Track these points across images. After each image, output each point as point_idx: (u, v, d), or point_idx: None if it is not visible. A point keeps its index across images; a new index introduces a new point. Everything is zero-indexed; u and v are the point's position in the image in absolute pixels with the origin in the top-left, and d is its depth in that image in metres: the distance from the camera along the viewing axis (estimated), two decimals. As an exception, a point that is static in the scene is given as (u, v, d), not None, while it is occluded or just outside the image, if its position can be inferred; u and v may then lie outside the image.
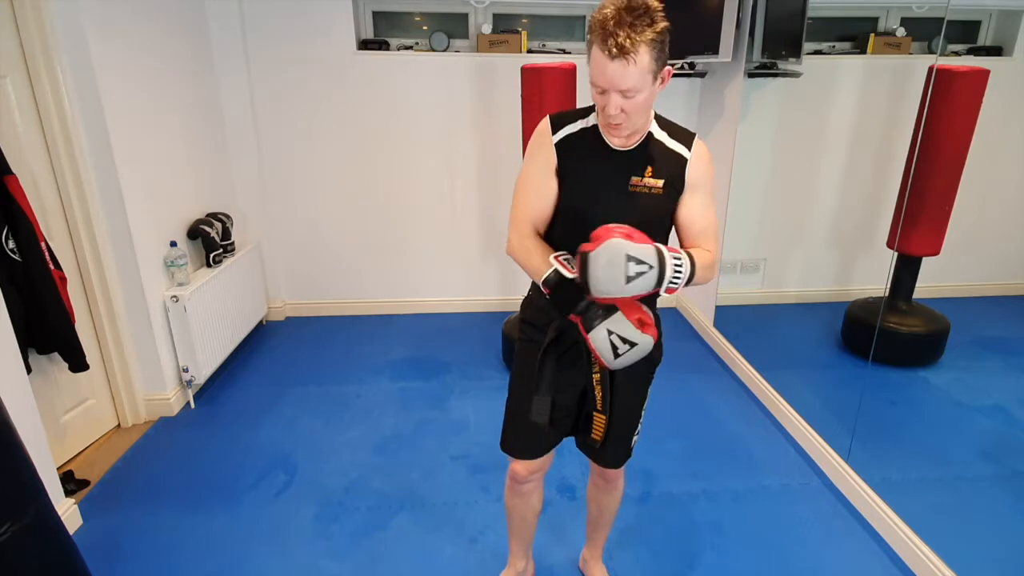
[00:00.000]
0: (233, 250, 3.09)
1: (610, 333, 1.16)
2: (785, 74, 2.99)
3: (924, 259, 2.83)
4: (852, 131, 3.27)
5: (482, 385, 2.95)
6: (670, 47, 1.15)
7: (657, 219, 1.29)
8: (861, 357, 2.97)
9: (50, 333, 2.11)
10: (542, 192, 1.31)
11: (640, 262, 1.08)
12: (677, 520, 2.07)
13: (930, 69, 2.54)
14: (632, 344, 1.16)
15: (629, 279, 1.08)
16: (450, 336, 3.47)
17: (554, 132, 1.29)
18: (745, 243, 3.40)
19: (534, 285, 1.42)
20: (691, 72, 3.29)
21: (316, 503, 2.14)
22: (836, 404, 2.66)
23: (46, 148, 2.19)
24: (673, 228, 1.35)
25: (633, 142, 1.26)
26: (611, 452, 1.51)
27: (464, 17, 3.39)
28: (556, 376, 1.37)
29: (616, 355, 1.17)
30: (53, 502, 1.33)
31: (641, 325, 1.17)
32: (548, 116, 1.32)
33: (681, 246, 1.29)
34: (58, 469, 2.11)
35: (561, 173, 1.29)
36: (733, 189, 3.15)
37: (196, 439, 2.52)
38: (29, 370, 1.93)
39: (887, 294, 2.88)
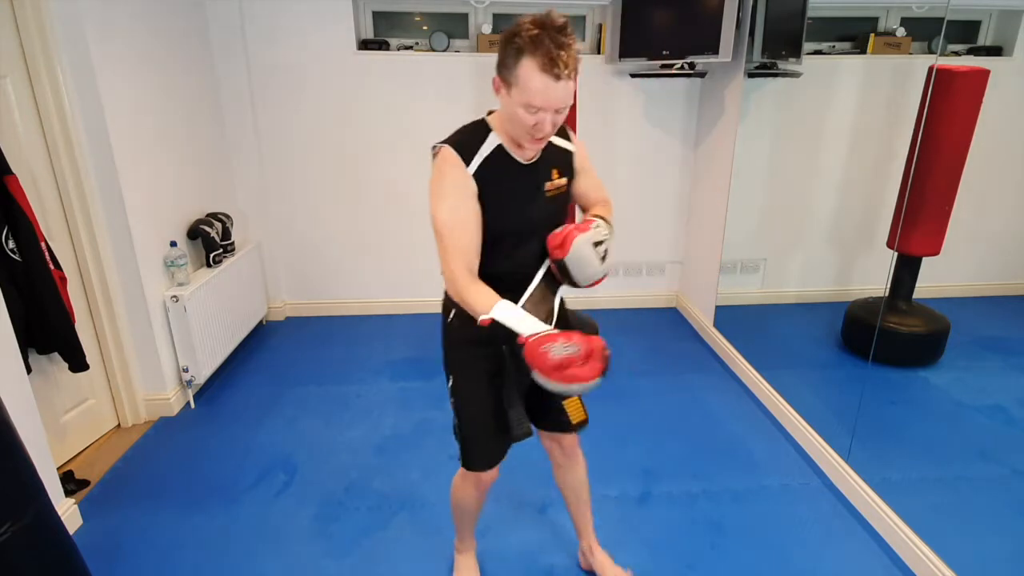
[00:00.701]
0: (233, 250, 3.09)
1: (551, 395, 1.21)
2: (785, 74, 2.99)
3: (924, 259, 2.83)
4: (852, 131, 3.27)
5: (482, 385, 2.94)
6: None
7: (566, 209, 1.48)
8: (861, 357, 2.97)
9: (50, 333, 2.11)
10: (473, 225, 1.28)
11: (601, 242, 1.33)
12: (677, 520, 2.07)
13: (930, 69, 2.54)
14: (567, 395, 1.23)
15: (603, 258, 1.33)
16: (450, 336, 3.46)
17: (467, 162, 1.27)
18: (745, 243, 3.39)
19: (456, 313, 1.46)
20: (691, 72, 3.28)
21: (316, 503, 2.14)
22: (836, 404, 2.66)
23: (46, 148, 2.19)
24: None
25: (537, 154, 1.34)
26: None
27: (464, 17, 3.39)
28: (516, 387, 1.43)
29: (568, 397, 1.24)
30: (53, 502, 1.33)
31: (561, 372, 1.12)
32: (448, 147, 1.27)
33: (584, 211, 1.50)
34: (58, 469, 2.11)
35: (484, 200, 1.28)
36: (733, 189, 3.14)
37: (196, 439, 2.52)
38: (29, 370, 1.93)
39: (887, 294, 2.88)
